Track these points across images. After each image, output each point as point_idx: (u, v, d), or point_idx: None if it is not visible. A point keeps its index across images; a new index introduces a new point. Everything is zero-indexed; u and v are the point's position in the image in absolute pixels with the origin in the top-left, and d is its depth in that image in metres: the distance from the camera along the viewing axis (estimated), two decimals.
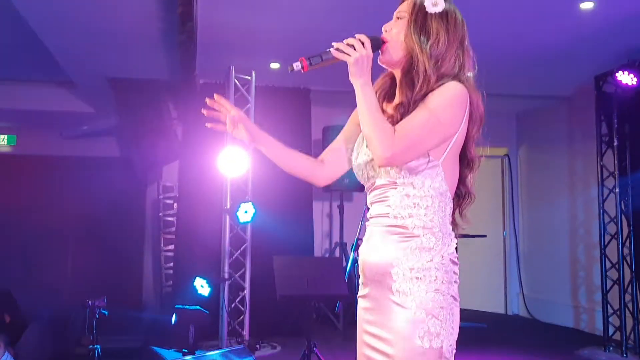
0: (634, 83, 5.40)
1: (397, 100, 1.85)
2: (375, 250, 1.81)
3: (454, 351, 1.73)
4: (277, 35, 5.32)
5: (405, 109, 1.77)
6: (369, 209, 1.91)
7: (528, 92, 7.04)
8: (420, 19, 1.80)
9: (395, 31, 1.84)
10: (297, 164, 2.02)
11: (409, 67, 1.81)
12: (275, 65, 6.14)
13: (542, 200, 7.76)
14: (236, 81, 5.90)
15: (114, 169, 8.27)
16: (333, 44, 1.75)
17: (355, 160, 1.92)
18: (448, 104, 1.73)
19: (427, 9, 1.80)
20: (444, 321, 1.69)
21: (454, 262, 1.76)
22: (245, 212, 5.49)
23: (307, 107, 6.90)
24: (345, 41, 1.75)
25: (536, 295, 7.71)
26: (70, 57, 6.13)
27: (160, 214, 7.91)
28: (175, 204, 7.65)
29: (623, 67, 5.44)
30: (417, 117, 1.72)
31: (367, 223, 1.91)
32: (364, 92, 1.73)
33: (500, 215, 8.28)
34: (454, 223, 1.86)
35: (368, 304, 1.83)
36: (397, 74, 1.89)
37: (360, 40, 1.74)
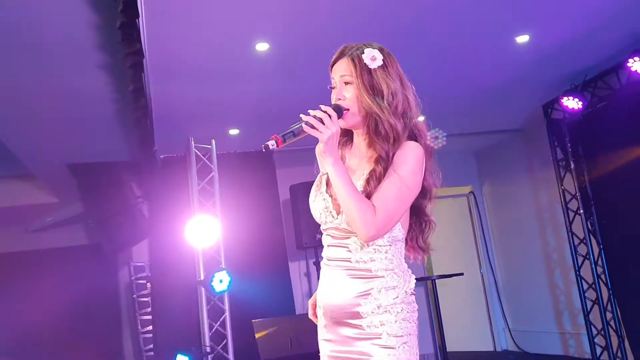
0: (580, 107, 5.61)
1: (370, 154, 1.91)
2: (338, 292, 1.85)
3: None
4: (233, 103, 5.39)
5: (385, 163, 1.83)
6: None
7: (482, 129, 7.21)
8: (367, 78, 1.86)
9: (349, 96, 1.88)
10: None
11: (375, 124, 1.86)
12: (234, 132, 6.20)
13: (513, 231, 7.86)
14: (197, 151, 5.92)
15: (83, 257, 8.09)
16: (302, 116, 1.77)
17: (313, 202, 1.96)
18: (413, 172, 1.82)
19: (369, 66, 1.87)
20: (412, 347, 1.80)
21: (413, 294, 1.88)
22: (221, 281, 5.42)
23: (271, 169, 6.93)
24: (312, 113, 1.77)
25: (522, 327, 7.69)
26: (27, 148, 6.08)
27: (134, 296, 7.74)
28: (148, 284, 7.50)
29: (567, 93, 5.65)
30: (391, 189, 1.78)
31: (323, 263, 1.94)
32: (337, 170, 1.78)
33: (474, 252, 8.32)
34: (421, 250, 1.96)
35: (337, 347, 1.85)
36: (359, 133, 1.96)
37: (328, 113, 1.78)
